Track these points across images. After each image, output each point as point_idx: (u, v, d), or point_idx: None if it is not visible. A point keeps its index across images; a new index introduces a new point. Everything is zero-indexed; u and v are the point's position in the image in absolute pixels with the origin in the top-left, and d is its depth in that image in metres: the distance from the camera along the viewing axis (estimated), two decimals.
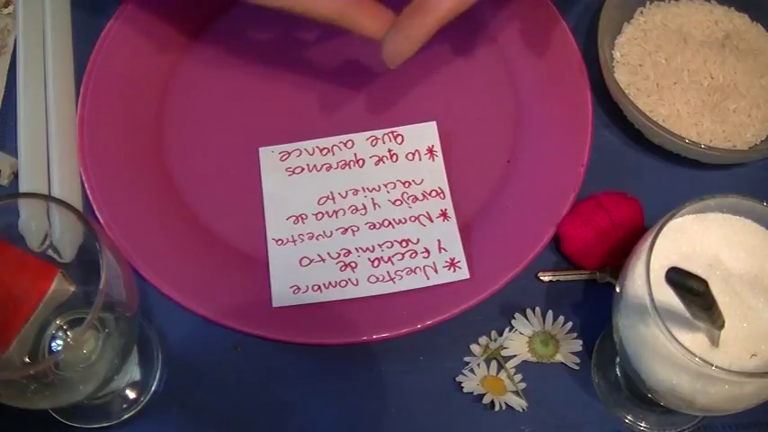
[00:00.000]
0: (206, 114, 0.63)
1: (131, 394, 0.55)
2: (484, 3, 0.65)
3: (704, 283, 0.38)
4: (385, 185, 0.59)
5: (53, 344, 0.50)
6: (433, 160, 0.60)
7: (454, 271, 0.55)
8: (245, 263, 0.57)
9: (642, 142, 0.62)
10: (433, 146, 0.60)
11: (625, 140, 0.63)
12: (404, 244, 0.57)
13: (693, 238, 0.46)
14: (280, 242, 0.58)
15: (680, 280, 0.38)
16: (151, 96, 0.63)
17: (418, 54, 0.64)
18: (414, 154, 0.60)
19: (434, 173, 0.60)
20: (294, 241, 0.58)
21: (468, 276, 0.55)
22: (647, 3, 0.65)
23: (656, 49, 0.63)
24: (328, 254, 0.57)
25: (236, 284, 0.56)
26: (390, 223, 0.58)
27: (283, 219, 0.59)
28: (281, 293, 0.55)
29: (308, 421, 0.55)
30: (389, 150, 0.61)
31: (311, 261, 0.57)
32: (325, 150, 0.61)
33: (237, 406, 0.55)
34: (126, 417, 0.54)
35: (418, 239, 0.57)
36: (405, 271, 0.56)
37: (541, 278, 0.58)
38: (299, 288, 0.56)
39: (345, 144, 0.61)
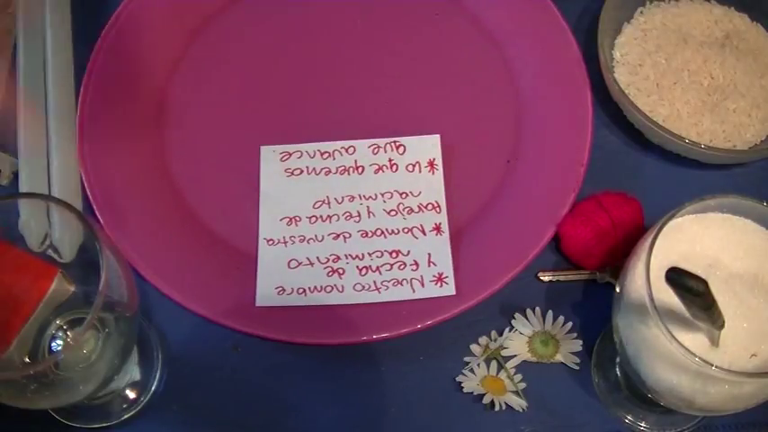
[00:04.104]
0: (207, 113, 0.63)
1: (131, 394, 0.55)
2: (484, 4, 0.65)
3: (704, 283, 0.38)
4: (382, 195, 0.59)
5: (53, 344, 0.50)
6: (433, 173, 0.60)
7: (441, 286, 0.55)
8: (245, 262, 0.57)
9: (642, 142, 0.62)
10: (434, 159, 0.60)
11: (625, 140, 0.63)
12: (394, 255, 0.57)
13: (693, 238, 0.46)
14: (270, 242, 0.58)
15: (680, 280, 0.38)
16: (151, 96, 0.63)
17: (419, 56, 0.65)
18: (414, 165, 0.60)
19: (433, 186, 0.59)
20: (285, 242, 0.58)
21: (453, 293, 0.55)
22: (647, 3, 0.65)
23: (656, 49, 0.63)
24: (317, 258, 0.57)
25: (235, 284, 0.56)
26: (383, 233, 0.58)
27: (277, 219, 0.59)
28: (266, 294, 0.55)
29: (308, 421, 0.55)
30: (390, 160, 0.60)
31: (299, 264, 0.57)
32: (326, 154, 0.61)
33: (237, 406, 0.55)
34: (126, 417, 0.54)
35: (409, 251, 0.57)
36: (391, 282, 0.56)
37: (541, 278, 0.58)
38: (283, 289, 0.56)
39: (347, 150, 0.61)
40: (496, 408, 0.53)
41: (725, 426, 0.54)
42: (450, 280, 0.55)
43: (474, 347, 0.56)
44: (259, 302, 0.55)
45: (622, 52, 0.63)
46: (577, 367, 0.55)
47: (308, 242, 0.58)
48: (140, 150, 0.61)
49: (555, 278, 0.58)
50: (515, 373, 0.55)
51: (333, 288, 0.56)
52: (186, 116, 0.63)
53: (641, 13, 0.65)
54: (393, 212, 0.59)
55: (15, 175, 0.60)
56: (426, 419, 0.54)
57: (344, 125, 0.62)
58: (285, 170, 0.61)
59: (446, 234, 0.57)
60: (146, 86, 0.63)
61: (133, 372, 0.55)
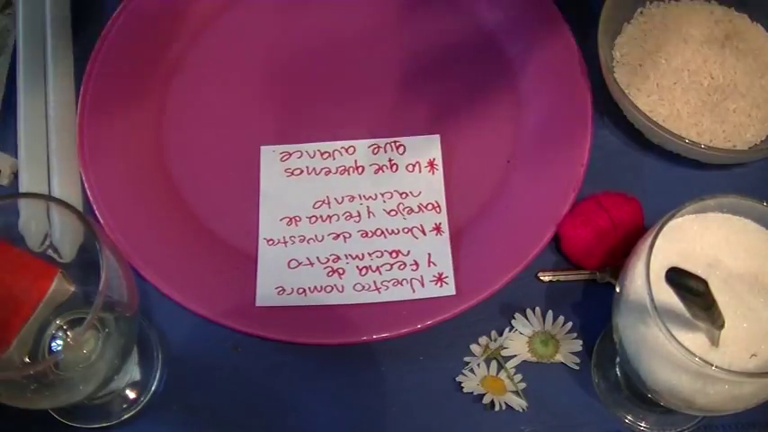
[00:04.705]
0: (207, 113, 0.63)
1: (131, 394, 0.55)
2: (484, 4, 0.65)
3: (704, 283, 0.38)
4: (382, 195, 0.59)
5: (53, 344, 0.50)
6: (433, 173, 0.60)
7: (441, 286, 0.55)
8: (245, 263, 0.57)
9: (642, 142, 0.62)
10: (434, 159, 0.60)
11: (625, 140, 0.63)
12: (394, 255, 0.57)
13: (693, 238, 0.46)
14: (270, 242, 0.58)
15: (680, 280, 0.38)
16: (151, 96, 0.63)
17: (419, 56, 0.64)
18: (414, 165, 0.60)
19: (433, 186, 0.59)
20: (285, 242, 0.58)
21: (453, 293, 0.55)
22: (647, 3, 0.65)
23: (656, 49, 0.63)
24: (317, 258, 0.57)
25: (235, 284, 0.56)
26: (383, 233, 0.58)
27: (277, 219, 0.59)
28: (266, 294, 0.55)
29: (308, 421, 0.55)
30: (390, 160, 0.60)
31: (299, 264, 0.57)
32: (326, 154, 0.61)
33: (237, 406, 0.55)
34: (126, 417, 0.54)
35: (409, 251, 0.57)
36: (391, 282, 0.56)
37: (541, 278, 0.58)
38: (283, 289, 0.56)
39: (347, 150, 0.61)
40: (496, 408, 0.53)
41: (725, 426, 0.54)
42: (450, 280, 0.55)
43: (474, 347, 0.56)
44: (259, 302, 0.55)
45: (622, 52, 0.63)
46: (577, 367, 0.55)
47: (308, 242, 0.58)
48: (140, 150, 0.61)
49: (555, 278, 0.58)
50: (515, 373, 0.55)
51: (333, 288, 0.56)
52: (186, 116, 0.63)
53: (641, 13, 0.65)
54: (393, 212, 0.59)
55: (15, 175, 0.60)
56: (426, 419, 0.54)
57: (344, 125, 0.62)
58: (285, 170, 0.61)
59: (446, 234, 0.57)
60: (146, 86, 0.63)
61: (133, 372, 0.55)
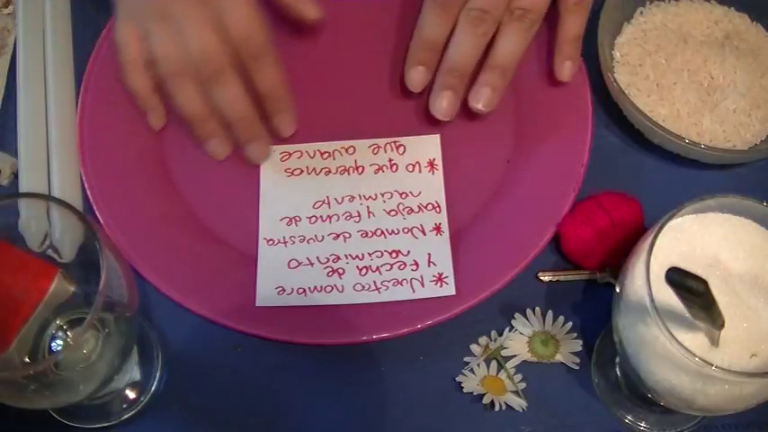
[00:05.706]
0: None
1: (131, 394, 0.55)
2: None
3: (704, 283, 0.38)
4: (382, 195, 0.59)
5: (53, 344, 0.50)
6: (433, 173, 0.60)
7: (441, 286, 0.55)
8: (245, 263, 0.57)
9: (642, 142, 0.62)
10: (434, 159, 0.60)
11: (625, 140, 0.63)
12: (394, 255, 0.57)
13: (693, 238, 0.46)
14: (271, 242, 0.58)
15: (680, 280, 0.38)
16: None
17: None
18: (414, 165, 0.60)
19: (433, 186, 0.59)
20: (285, 243, 0.58)
21: (453, 293, 0.55)
22: (647, 3, 0.65)
23: (656, 49, 0.63)
24: (317, 258, 0.57)
25: (235, 284, 0.56)
26: (383, 233, 0.58)
27: (277, 219, 0.59)
28: (266, 294, 0.55)
29: (307, 421, 0.55)
30: (390, 160, 0.60)
31: (299, 264, 0.57)
32: (326, 154, 0.61)
33: (237, 406, 0.55)
34: (126, 417, 0.54)
35: (408, 251, 0.57)
36: (391, 282, 0.56)
37: (541, 278, 0.58)
38: (283, 289, 0.56)
39: (347, 150, 0.61)
40: (496, 408, 0.53)
41: (725, 426, 0.54)
42: (450, 280, 0.55)
43: (474, 347, 0.56)
44: (259, 302, 0.55)
45: (622, 52, 0.63)
46: (577, 367, 0.55)
47: (308, 242, 0.58)
48: (141, 150, 0.61)
49: (555, 278, 0.58)
50: (515, 373, 0.55)
51: (333, 288, 0.56)
52: None
53: (641, 13, 0.65)
54: (393, 212, 0.59)
55: (15, 175, 0.60)
56: (426, 419, 0.54)
57: (344, 125, 0.62)
58: (285, 170, 0.61)
59: (446, 234, 0.57)
60: None
61: (133, 372, 0.55)
